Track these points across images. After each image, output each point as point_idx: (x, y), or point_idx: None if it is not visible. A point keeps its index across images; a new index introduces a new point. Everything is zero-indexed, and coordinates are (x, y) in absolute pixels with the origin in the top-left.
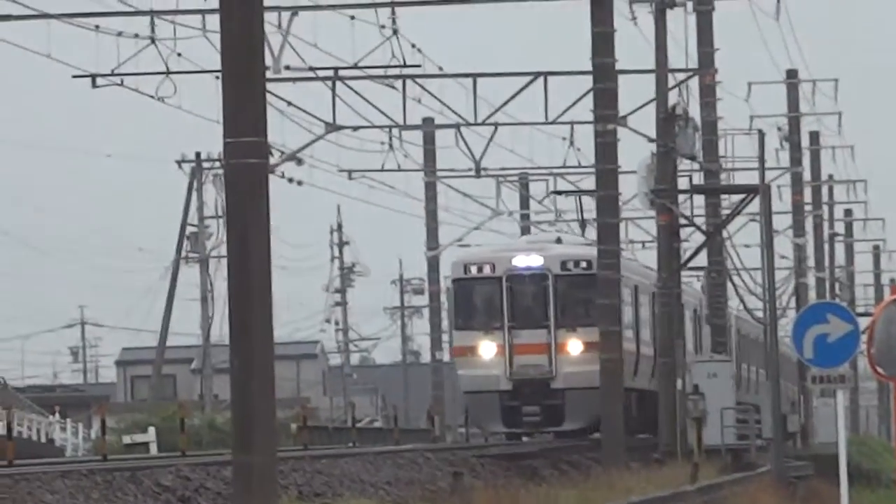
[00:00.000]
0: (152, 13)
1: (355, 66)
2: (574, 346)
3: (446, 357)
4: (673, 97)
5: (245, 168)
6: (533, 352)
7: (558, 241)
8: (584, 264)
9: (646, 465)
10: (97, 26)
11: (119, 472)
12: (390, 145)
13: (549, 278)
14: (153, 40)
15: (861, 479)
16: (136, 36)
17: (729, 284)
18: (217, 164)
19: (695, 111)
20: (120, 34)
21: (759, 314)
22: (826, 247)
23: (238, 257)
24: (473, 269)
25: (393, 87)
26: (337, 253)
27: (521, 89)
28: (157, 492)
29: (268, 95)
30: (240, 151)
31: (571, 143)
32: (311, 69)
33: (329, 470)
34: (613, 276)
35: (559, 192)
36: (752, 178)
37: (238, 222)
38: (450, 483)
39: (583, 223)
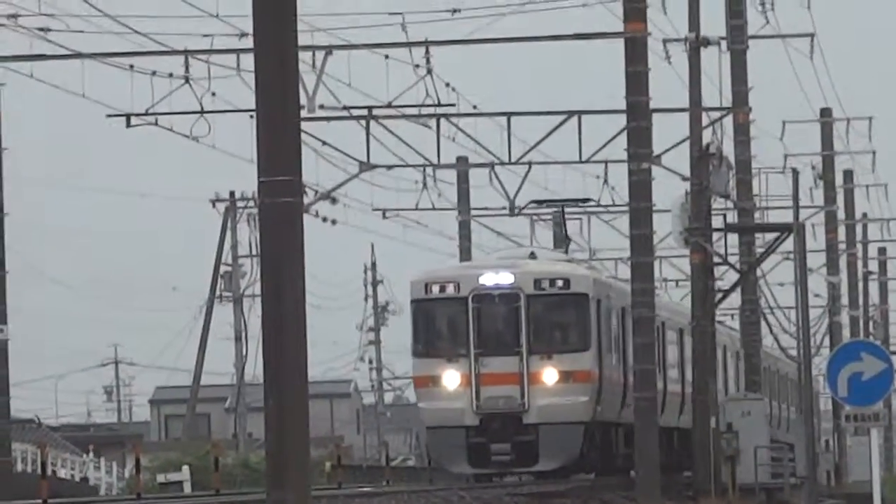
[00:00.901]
0: (186, 53)
1: (389, 105)
2: (549, 375)
3: None
4: (707, 136)
5: (279, 207)
6: (502, 382)
7: (532, 256)
8: (560, 283)
9: (680, 503)
10: (131, 66)
11: None
12: (424, 184)
13: (521, 299)
14: (187, 80)
15: None
16: (171, 75)
17: (763, 324)
18: (251, 203)
19: (729, 150)
20: (154, 73)
21: (793, 352)
22: (860, 285)
23: (272, 296)
24: (436, 289)
25: (427, 126)
26: (371, 292)
27: (555, 128)
28: None
29: (302, 134)
30: (274, 190)
31: (606, 181)
32: (346, 108)
33: None
34: (648, 315)
35: (539, 202)
36: (786, 217)
37: (272, 261)
38: None
39: (565, 238)
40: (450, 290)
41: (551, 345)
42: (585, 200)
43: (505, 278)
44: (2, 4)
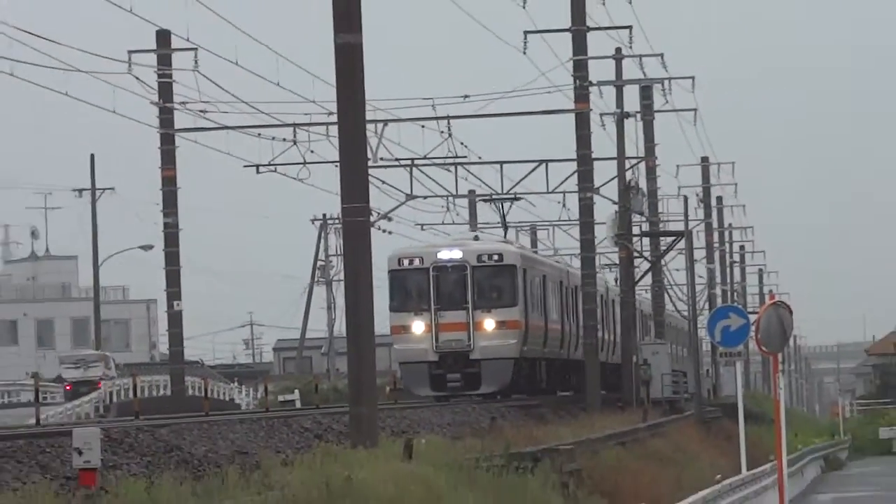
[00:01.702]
0: (294, 125)
1: (424, 157)
2: (489, 324)
3: None
4: (629, 175)
5: (355, 224)
6: (455, 329)
7: (476, 238)
8: (496, 257)
9: (613, 411)
10: (259, 133)
11: (276, 419)
12: (447, 208)
13: (468, 269)
14: (295, 142)
15: (751, 419)
16: (284, 139)
17: (666, 295)
18: (337, 221)
19: (643, 184)
20: (273, 139)
21: (685, 313)
22: (728, 270)
23: (352, 281)
24: (406, 262)
25: (449, 170)
26: None
27: (532, 171)
28: (300, 431)
29: (369, 177)
30: (352, 213)
31: (564, 205)
32: (396, 160)
33: (410, 416)
34: (591, 290)
35: (485, 199)
36: (679, 226)
37: (351, 258)
38: (488, 423)
39: (505, 226)
40: (416, 262)
41: (490, 302)
42: (517, 198)
43: (456, 254)
44: (176, 96)
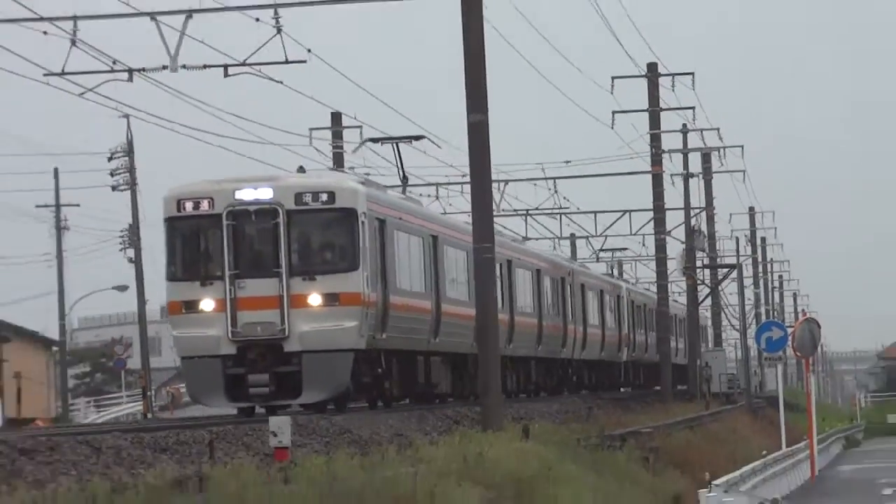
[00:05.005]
0: (437, 185)
1: (536, 208)
2: (314, 298)
3: None
4: (693, 221)
5: (484, 259)
6: (261, 306)
7: (301, 169)
8: (324, 197)
9: (682, 402)
10: (409, 192)
11: (424, 409)
12: (553, 247)
13: (281, 214)
14: (437, 198)
15: (789, 408)
16: (429, 196)
17: (722, 313)
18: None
19: (704, 228)
20: (420, 195)
21: (737, 326)
22: (770, 293)
23: (480, 300)
24: (188, 206)
25: (554, 218)
26: None
27: (618, 218)
28: (443, 418)
29: (494, 223)
30: (482, 251)
31: (644, 244)
32: (514, 210)
33: (526, 406)
34: (665, 310)
35: (374, 140)
36: (732, 260)
37: (481, 283)
38: (585, 412)
39: (403, 177)
40: (204, 206)
41: (316, 265)
42: (418, 138)
43: (264, 193)
44: (346, 163)
